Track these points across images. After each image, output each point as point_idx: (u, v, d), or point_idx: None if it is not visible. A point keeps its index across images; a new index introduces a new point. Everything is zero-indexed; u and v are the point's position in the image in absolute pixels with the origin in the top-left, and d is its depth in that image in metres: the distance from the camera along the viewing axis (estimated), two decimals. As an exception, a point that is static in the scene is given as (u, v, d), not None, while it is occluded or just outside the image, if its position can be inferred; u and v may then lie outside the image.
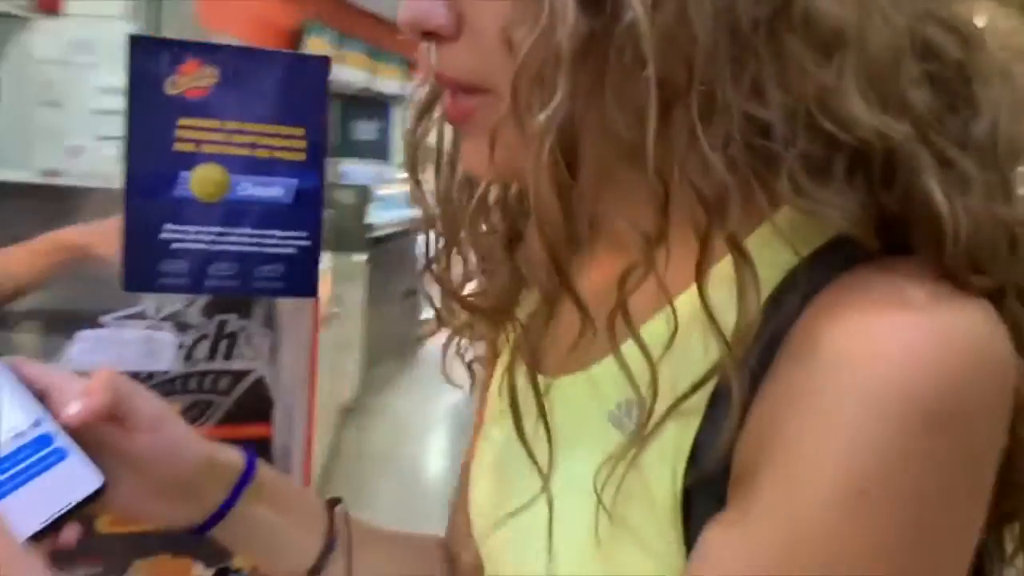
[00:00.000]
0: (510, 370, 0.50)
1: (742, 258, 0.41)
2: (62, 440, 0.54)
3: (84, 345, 0.84)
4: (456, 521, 0.67)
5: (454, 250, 0.55)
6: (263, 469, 0.62)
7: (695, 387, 0.42)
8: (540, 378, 0.49)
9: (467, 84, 0.46)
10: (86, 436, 0.54)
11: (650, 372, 0.43)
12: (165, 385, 0.75)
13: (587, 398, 0.48)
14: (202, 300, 0.79)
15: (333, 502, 0.64)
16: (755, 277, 0.41)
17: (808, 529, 0.39)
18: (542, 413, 0.48)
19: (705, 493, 0.43)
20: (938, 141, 0.41)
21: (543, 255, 0.43)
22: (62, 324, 1.17)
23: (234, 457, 0.61)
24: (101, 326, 0.79)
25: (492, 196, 0.55)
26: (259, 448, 0.78)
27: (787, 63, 0.40)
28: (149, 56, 0.71)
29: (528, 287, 0.55)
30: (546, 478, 0.48)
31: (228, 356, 0.78)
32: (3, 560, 0.47)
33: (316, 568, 0.61)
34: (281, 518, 0.62)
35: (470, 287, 0.56)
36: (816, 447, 0.39)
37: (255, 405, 0.77)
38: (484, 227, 0.55)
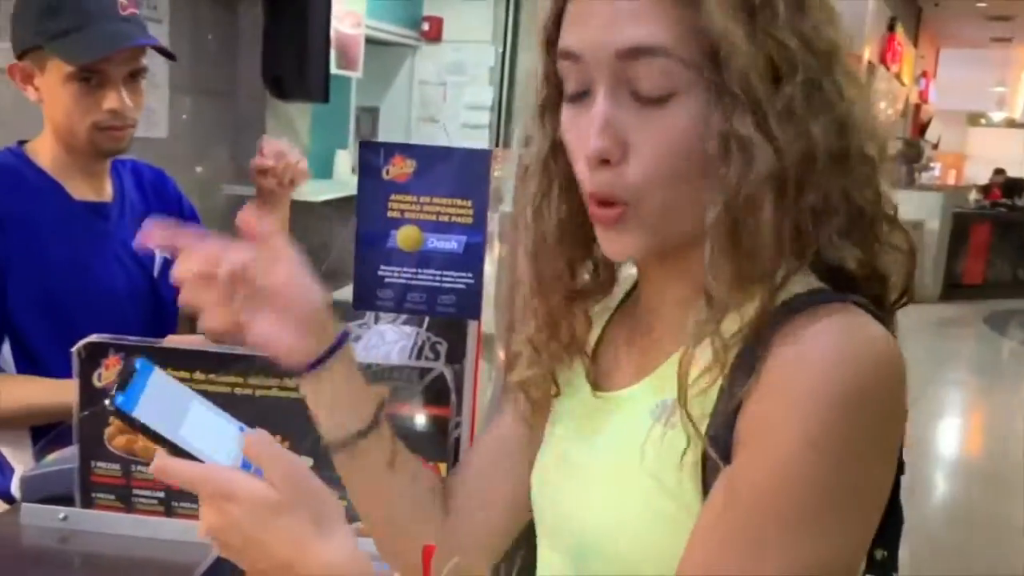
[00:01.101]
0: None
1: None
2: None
3: (364, 342, 1.21)
4: (465, 469, 0.85)
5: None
6: (348, 343, 0.76)
7: (728, 344, 0.62)
8: (604, 393, 0.74)
9: (625, 198, 0.64)
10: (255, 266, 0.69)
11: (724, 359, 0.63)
12: (380, 372, 1.09)
13: (636, 401, 0.71)
14: (402, 317, 1.12)
15: (383, 401, 0.79)
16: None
17: (778, 472, 0.58)
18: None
19: (716, 455, 0.62)
20: None
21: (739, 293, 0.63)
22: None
23: (336, 323, 0.76)
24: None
25: (563, 266, 0.76)
26: (439, 423, 1.10)
27: (850, 174, 0.64)
28: (373, 154, 1.04)
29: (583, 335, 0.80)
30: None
31: (418, 356, 1.11)
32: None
33: (362, 433, 0.75)
34: (351, 384, 0.76)
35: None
36: (782, 417, 0.58)
37: (437, 393, 1.09)
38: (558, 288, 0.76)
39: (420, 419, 1.09)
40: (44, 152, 1.53)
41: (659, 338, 0.71)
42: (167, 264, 1.67)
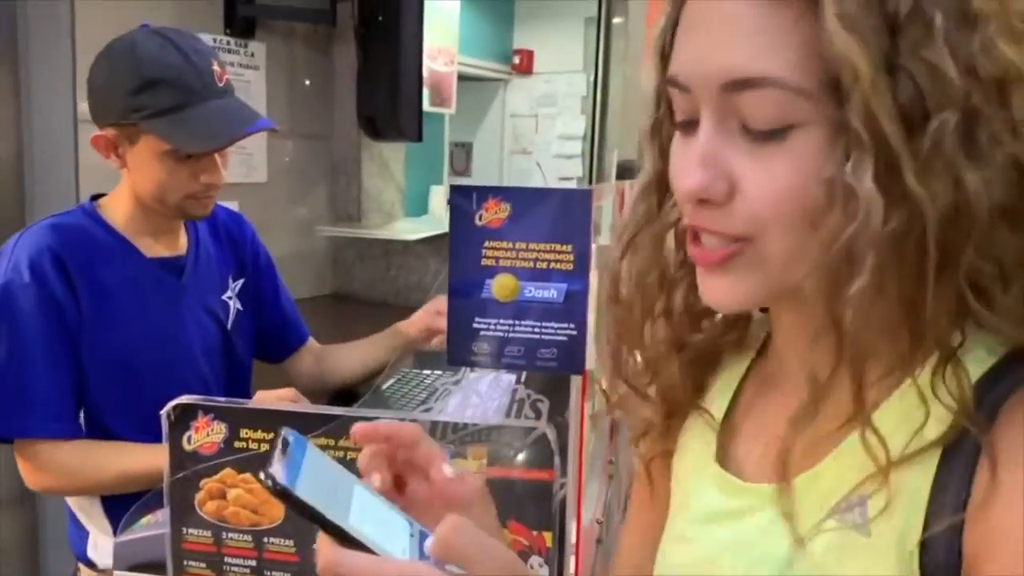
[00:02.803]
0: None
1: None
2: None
3: (459, 399, 1.14)
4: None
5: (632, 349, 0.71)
6: None
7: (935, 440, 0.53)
8: (749, 483, 0.63)
9: (735, 236, 0.56)
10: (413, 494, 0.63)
11: (886, 462, 0.53)
12: (477, 433, 1.01)
13: (812, 494, 0.58)
14: (501, 372, 1.04)
15: None
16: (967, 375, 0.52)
17: None
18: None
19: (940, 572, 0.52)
20: None
21: (851, 372, 0.54)
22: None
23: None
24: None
25: (658, 310, 0.69)
26: (542, 489, 1.01)
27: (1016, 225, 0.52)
28: (464, 198, 0.97)
29: (700, 390, 0.71)
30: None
31: (519, 415, 1.02)
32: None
33: None
34: None
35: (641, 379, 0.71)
36: None
37: (540, 455, 1.00)
38: (648, 336, 0.69)
39: (522, 484, 1.00)
40: (118, 211, 1.50)
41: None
42: (240, 316, 1.65)
